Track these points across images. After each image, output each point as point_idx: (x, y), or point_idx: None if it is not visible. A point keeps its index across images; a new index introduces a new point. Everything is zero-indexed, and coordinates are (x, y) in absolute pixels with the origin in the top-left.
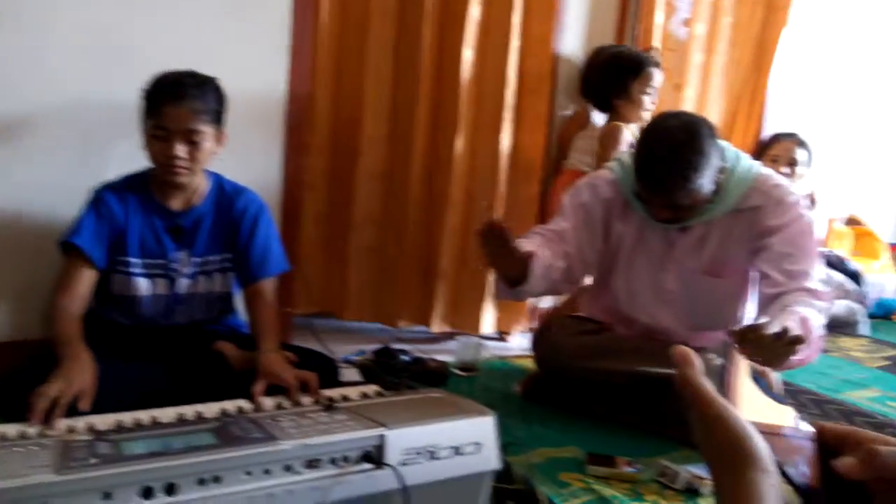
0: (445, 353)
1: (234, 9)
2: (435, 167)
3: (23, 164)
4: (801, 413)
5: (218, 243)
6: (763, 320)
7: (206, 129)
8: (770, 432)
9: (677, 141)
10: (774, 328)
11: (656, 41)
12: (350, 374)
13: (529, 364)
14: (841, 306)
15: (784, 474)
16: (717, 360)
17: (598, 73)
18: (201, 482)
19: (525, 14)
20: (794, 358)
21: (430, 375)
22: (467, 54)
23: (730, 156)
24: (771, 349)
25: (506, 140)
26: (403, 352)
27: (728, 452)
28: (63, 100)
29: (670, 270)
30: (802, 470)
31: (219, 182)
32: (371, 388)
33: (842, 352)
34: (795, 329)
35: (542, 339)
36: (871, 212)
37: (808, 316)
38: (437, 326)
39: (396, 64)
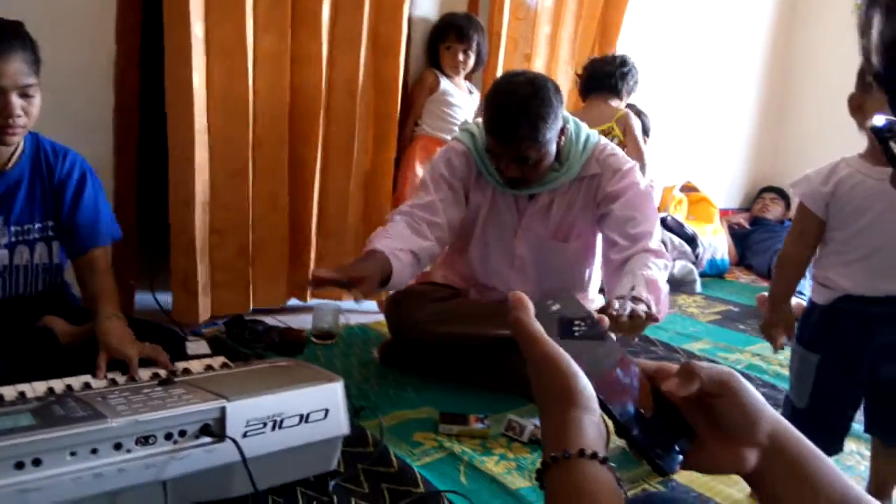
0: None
1: None
2: (294, 133)
3: None
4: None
5: (38, 209)
6: (616, 304)
7: (37, 83)
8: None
9: (525, 93)
10: (627, 308)
11: (506, 9)
12: (199, 346)
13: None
14: (679, 267)
15: (608, 411)
16: (554, 307)
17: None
18: (19, 466)
19: None
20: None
21: (287, 344)
22: (324, 16)
23: (570, 124)
24: (634, 327)
25: (360, 104)
26: (257, 321)
27: (554, 391)
28: None
29: (520, 237)
30: (629, 409)
31: (36, 142)
32: (217, 361)
33: (678, 308)
34: (645, 294)
35: (394, 305)
36: (705, 179)
37: (654, 277)
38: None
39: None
